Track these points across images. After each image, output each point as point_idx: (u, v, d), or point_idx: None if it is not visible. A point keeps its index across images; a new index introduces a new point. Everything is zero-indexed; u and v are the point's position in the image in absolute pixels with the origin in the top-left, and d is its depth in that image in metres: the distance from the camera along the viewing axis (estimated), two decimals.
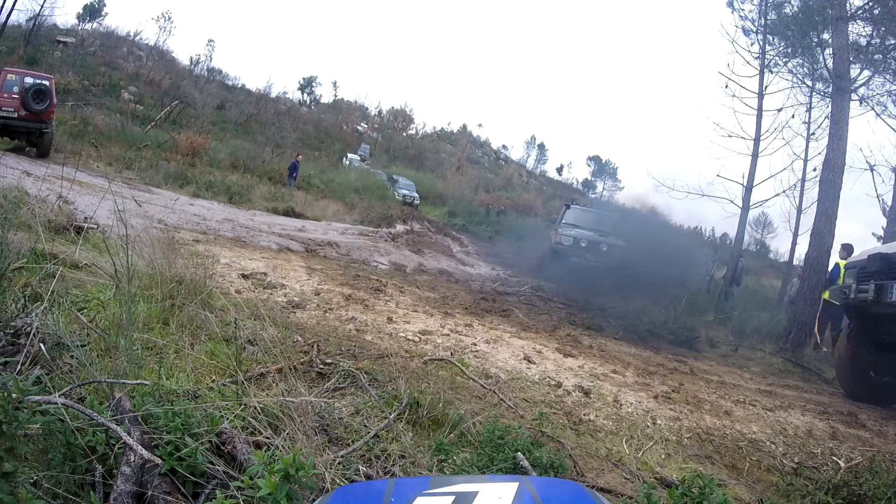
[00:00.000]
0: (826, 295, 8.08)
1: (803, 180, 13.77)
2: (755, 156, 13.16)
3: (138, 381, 1.89)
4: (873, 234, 12.76)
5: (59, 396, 1.51)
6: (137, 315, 2.65)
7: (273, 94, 36.31)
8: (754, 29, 13.16)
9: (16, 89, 11.02)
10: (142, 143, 17.22)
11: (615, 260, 10.53)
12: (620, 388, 4.13)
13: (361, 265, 8.51)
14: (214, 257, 5.55)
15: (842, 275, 8.17)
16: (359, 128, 37.49)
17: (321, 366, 2.88)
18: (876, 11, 9.16)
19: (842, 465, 3.26)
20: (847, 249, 8.49)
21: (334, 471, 1.75)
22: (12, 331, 2.04)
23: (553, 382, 3.91)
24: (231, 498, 1.41)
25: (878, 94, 11.16)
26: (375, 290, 6.07)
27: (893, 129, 11.65)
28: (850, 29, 9.04)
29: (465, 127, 46.44)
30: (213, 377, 2.43)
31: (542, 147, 50.27)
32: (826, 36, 10.55)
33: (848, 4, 8.90)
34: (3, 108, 10.84)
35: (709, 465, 3.02)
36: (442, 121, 63.69)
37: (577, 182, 49.02)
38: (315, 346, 3.23)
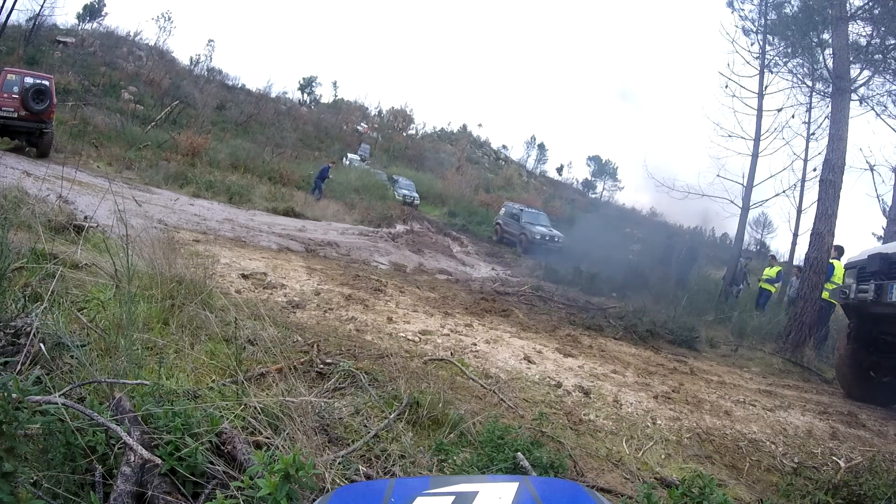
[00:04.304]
0: (825, 294, 8.10)
1: (803, 180, 13.75)
2: (755, 156, 13.16)
3: (138, 381, 1.89)
4: (873, 234, 12.76)
5: (59, 396, 1.51)
6: (137, 315, 2.65)
7: (273, 94, 36.27)
8: (754, 29, 13.16)
9: (16, 89, 11.02)
10: (142, 143, 17.19)
11: (564, 246, 17.07)
12: (620, 388, 4.13)
13: (361, 265, 8.51)
14: (214, 257, 5.56)
15: (836, 271, 8.22)
16: (359, 128, 37.43)
17: (321, 366, 2.89)
18: (876, 11, 9.16)
19: (842, 465, 3.26)
20: (839, 251, 8.56)
21: (334, 471, 1.75)
22: (12, 331, 2.04)
23: (553, 382, 3.91)
24: (231, 498, 1.41)
25: (878, 94, 11.15)
26: (375, 290, 6.07)
27: (893, 129, 11.65)
28: (850, 29, 9.03)
29: (465, 127, 46.36)
30: (213, 377, 2.43)
31: (542, 147, 50.16)
32: (826, 36, 10.54)
33: (848, 4, 8.90)
34: (3, 108, 10.84)
35: (709, 465, 3.02)
36: (442, 121, 63.58)
37: (577, 182, 48.94)
38: (315, 346, 3.23)
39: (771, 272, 12.17)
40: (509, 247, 17.39)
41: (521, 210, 18.83)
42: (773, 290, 12.03)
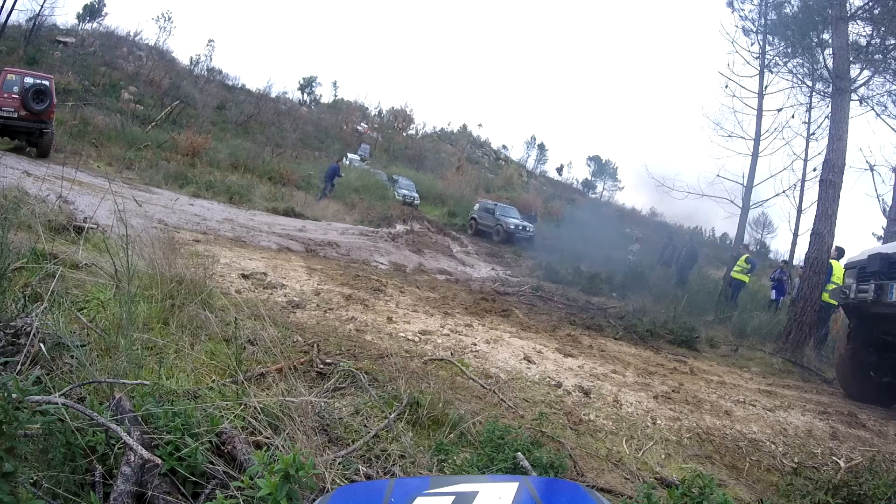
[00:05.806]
0: (825, 296, 8.09)
1: (803, 180, 13.74)
2: (755, 156, 13.19)
3: (138, 381, 1.89)
4: (873, 234, 12.77)
5: (59, 396, 1.51)
6: (137, 315, 2.65)
7: (273, 94, 36.24)
8: (754, 29, 13.20)
9: (16, 89, 11.01)
10: (142, 143, 17.16)
11: (534, 235, 19.69)
12: (620, 388, 4.13)
13: (361, 265, 8.51)
14: (214, 257, 5.55)
15: (835, 272, 8.21)
16: (359, 128, 37.40)
17: (321, 366, 2.88)
18: (876, 11, 9.16)
19: (842, 465, 3.26)
20: (839, 251, 8.56)
21: (334, 471, 1.75)
22: (12, 331, 2.04)
23: (553, 382, 3.91)
24: (231, 498, 1.41)
25: (878, 94, 11.17)
26: (375, 290, 6.07)
27: (893, 129, 11.67)
28: (850, 29, 9.04)
29: (465, 127, 46.37)
30: (213, 377, 2.43)
31: (542, 147, 50.13)
32: (826, 36, 10.56)
33: (848, 4, 8.90)
34: (3, 108, 10.83)
35: (709, 465, 3.02)
36: (442, 121, 63.60)
37: (577, 182, 48.91)
38: (315, 346, 3.23)
39: (742, 261, 12.16)
40: (485, 238, 19.55)
41: (495, 205, 21.17)
42: (746, 279, 11.98)
